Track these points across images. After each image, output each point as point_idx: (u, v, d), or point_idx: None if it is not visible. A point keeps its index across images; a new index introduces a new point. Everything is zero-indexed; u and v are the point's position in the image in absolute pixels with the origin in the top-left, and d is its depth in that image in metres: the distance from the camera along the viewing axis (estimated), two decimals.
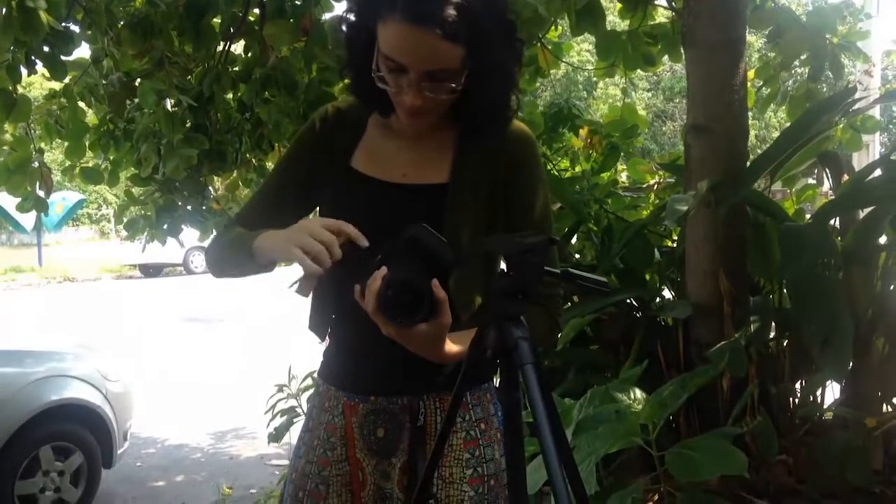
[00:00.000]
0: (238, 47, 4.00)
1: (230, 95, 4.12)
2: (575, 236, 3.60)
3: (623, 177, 4.30)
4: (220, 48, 3.80)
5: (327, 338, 1.53)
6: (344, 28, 1.37)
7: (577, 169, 3.99)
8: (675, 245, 3.37)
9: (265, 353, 8.64)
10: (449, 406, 1.21)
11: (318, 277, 1.24)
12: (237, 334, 10.32)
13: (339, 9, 4.36)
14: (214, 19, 3.58)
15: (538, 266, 1.09)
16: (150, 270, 19.37)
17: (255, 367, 7.88)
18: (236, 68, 3.92)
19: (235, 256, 1.40)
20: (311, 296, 1.48)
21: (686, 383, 2.36)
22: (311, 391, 3.63)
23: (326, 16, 3.53)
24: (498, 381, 1.37)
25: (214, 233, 4.35)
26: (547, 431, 1.00)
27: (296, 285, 1.29)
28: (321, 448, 1.46)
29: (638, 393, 2.37)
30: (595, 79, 19.88)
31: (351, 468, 1.45)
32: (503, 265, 1.15)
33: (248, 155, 4.39)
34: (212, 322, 11.35)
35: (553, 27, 3.98)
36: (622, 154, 3.96)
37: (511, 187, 1.41)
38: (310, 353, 1.53)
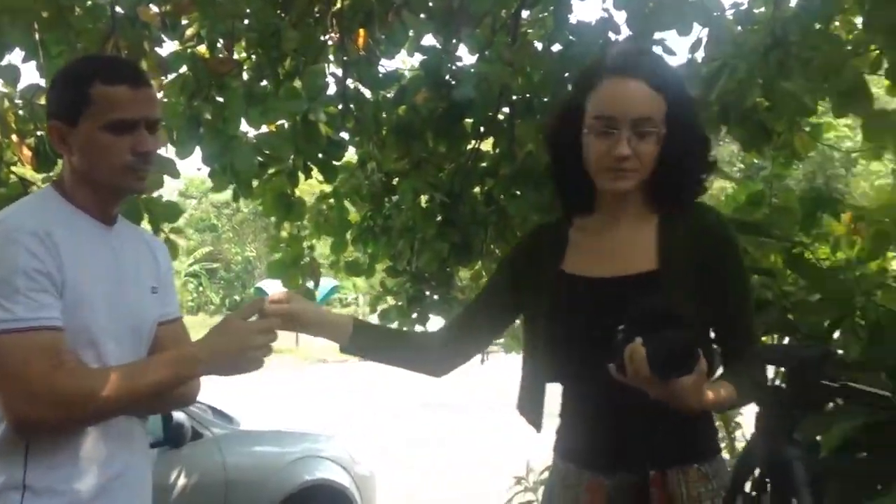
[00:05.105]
0: (486, 144, 4.23)
1: (477, 189, 4.34)
2: (838, 331, 3.33)
3: None
4: (469, 146, 4.04)
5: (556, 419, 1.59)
6: (549, 134, 1.61)
7: (839, 256, 3.72)
8: None
9: (504, 441, 8.68)
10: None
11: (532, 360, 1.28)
12: (478, 421, 10.48)
13: None
14: (467, 120, 3.81)
15: (815, 381, 1.07)
16: None
17: (492, 454, 7.93)
18: (484, 164, 4.13)
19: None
20: (521, 378, 1.62)
21: None
22: None
23: None
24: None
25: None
26: None
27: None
28: None
29: None
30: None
31: None
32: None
33: (491, 246, 4.56)
34: (452, 408, 11.62)
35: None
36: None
37: (718, 271, 1.48)
38: (550, 441, 1.58)
